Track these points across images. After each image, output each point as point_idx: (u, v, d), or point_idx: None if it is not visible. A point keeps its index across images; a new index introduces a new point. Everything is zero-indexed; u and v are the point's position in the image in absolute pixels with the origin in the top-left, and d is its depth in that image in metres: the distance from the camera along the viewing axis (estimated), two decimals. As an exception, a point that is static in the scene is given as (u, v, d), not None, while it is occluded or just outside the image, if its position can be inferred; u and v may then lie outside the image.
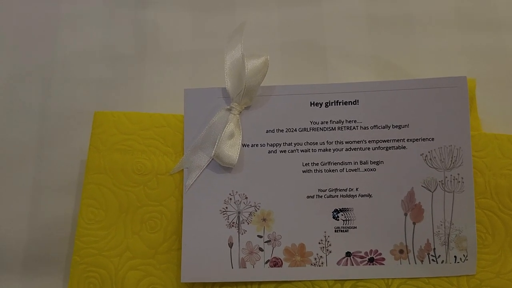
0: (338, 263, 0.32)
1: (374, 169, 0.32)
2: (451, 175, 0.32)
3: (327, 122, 0.33)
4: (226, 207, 0.32)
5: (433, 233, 0.32)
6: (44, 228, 0.36)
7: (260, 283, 0.32)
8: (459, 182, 0.32)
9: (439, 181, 0.32)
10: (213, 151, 0.32)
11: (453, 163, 0.32)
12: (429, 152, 0.32)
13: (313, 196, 0.32)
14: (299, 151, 0.33)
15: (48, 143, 0.38)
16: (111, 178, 0.33)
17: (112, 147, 0.33)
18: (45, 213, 0.36)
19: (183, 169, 0.33)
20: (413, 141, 0.32)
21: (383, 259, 0.32)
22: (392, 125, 0.32)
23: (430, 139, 0.32)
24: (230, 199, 0.32)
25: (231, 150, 0.32)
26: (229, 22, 0.41)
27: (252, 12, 0.41)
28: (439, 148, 0.32)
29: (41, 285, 0.35)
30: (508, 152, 0.32)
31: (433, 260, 0.31)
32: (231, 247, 0.32)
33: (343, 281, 0.31)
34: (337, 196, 0.32)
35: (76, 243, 0.33)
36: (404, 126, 0.32)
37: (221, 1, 0.41)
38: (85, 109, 0.38)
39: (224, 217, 0.32)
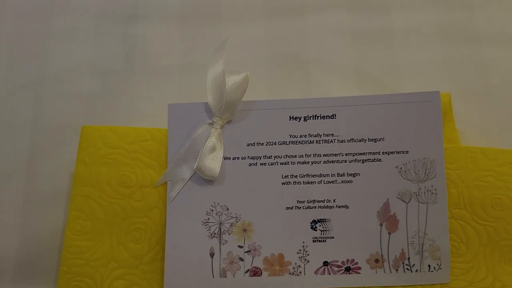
0: (316, 272, 0.33)
1: (351, 181, 0.33)
2: (425, 186, 0.33)
3: (305, 136, 0.34)
4: (208, 218, 0.33)
5: (408, 243, 0.33)
6: (34, 239, 0.37)
7: None
8: (432, 193, 0.33)
9: (414, 193, 0.33)
10: (195, 164, 0.33)
11: (427, 175, 0.33)
12: (403, 164, 0.33)
13: (292, 207, 0.33)
14: (278, 163, 0.34)
15: (39, 155, 0.39)
16: (97, 191, 0.34)
17: (99, 160, 0.35)
18: (35, 224, 0.37)
19: (166, 182, 0.34)
20: (388, 154, 0.33)
21: (359, 268, 0.33)
22: (368, 139, 0.33)
23: (405, 152, 0.33)
24: (212, 210, 0.33)
25: (213, 163, 0.33)
26: (216, 37, 0.42)
27: (238, 26, 0.42)
28: (413, 160, 0.33)
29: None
30: (481, 164, 0.33)
31: (407, 269, 0.33)
32: (212, 257, 0.33)
33: None
34: (315, 207, 0.33)
35: (63, 253, 0.34)
36: (380, 139, 0.33)
37: (208, 16, 0.43)
38: (75, 122, 0.39)
39: (206, 228, 0.33)
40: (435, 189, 0.33)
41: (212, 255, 0.33)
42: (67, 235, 0.34)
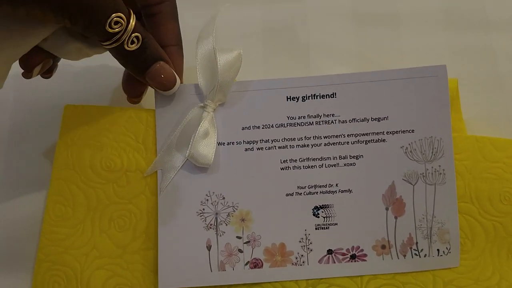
0: (320, 261, 0.31)
1: (353, 164, 0.31)
2: (432, 167, 0.31)
3: (304, 117, 0.32)
4: (203, 209, 0.31)
5: (415, 227, 0.31)
6: (13, 225, 0.34)
7: (230, 286, 0.31)
8: (440, 174, 0.31)
9: (420, 174, 0.31)
10: (188, 151, 0.31)
11: (434, 154, 0.31)
12: (409, 144, 0.31)
13: (292, 193, 0.31)
14: (276, 147, 0.32)
15: (19, 137, 0.36)
16: (79, 175, 0.32)
17: (81, 142, 0.32)
18: (14, 210, 0.35)
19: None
20: (392, 134, 0.31)
21: (365, 255, 0.31)
22: (371, 118, 0.31)
23: (410, 131, 0.31)
24: (207, 200, 0.31)
25: (206, 149, 0.31)
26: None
27: (235, 7, 0.39)
28: (419, 140, 0.31)
29: (8, 283, 0.34)
30: (489, 155, 0.31)
31: (415, 254, 0.31)
32: (209, 250, 0.31)
33: (315, 283, 0.31)
34: (317, 192, 0.31)
35: (41, 240, 0.32)
36: (383, 118, 0.31)
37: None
38: (58, 103, 0.36)
39: (201, 219, 0.31)
40: (443, 169, 0.31)
41: (209, 247, 0.31)
42: (46, 220, 0.32)
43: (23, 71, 0.30)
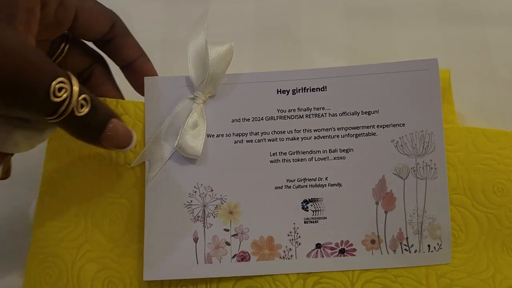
0: (308, 255, 0.30)
1: (343, 157, 0.31)
2: (423, 161, 0.31)
3: (294, 110, 0.31)
4: (191, 201, 0.31)
5: (406, 221, 0.30)
6: (7, 220, 0.34)
7: (219, 279, 0.30)
8: (431, 168, 0.31)
9: (411, 168, 0.31)
10: (176, 142, 0.30)
11: (425, 149, 0.31)
12: (400, 138, 0.31)
13: (281, 186, 0.31)
14: (266, 140, 0.31)
15: None
16: (70, 168, 0.32)
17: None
18: (4, 204, 0.35)
19: (144, 161, 0.31)
20: (383, 127, 0.31)
21: (355, 250, 0.30)
22: (362, 111, 0.31)
23: (401, 125, 0.31)
24: (195, 192, 0.31)
25: (195, 140, 0.31)
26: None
27: (226, 3, 0.40)
28: (410, 133, 0.31)
29: (1, 276, 0.34)
30: (482, 146, 0.31)
31: (406, 249, 0.30)
32: (196, 242, 0.31)
33: (306, 276, 0.30)
34: (306, 186, 0.31)
35: (34, 233, 0.32)
36: (374, 112, 0.31)
37: None
38: None
39: (188, 211, 0.31)
40: (434, 164, 0.30)
41: (196, 239, 0.31)
42: (38, 214, 0.32)
43: None
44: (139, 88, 0.32)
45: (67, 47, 0.30)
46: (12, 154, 0.28)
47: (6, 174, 0.28)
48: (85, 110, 0.25)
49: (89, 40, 0.30)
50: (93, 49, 0.32)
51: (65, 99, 0.23)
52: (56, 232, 0.32)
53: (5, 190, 0.35)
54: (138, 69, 0.31)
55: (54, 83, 0.23)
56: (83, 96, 0.24)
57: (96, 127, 0.26)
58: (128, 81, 0.32)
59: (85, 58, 0.31)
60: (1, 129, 0.25)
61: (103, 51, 0.31)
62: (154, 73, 0.32)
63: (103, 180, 0.32)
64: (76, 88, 0.24)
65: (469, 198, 0.31)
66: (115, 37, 0.30)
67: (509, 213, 0.30)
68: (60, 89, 0.23)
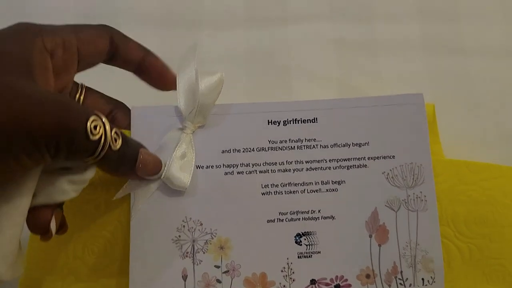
0: (303, 292, 0.29)
1: (336, 189, 0.31)
2: (414, 193, 0.31)
3: (286, 141, 0.31)
4: (179, 236, 0.29)
5: (400, 254, 0.30)
6: None
7: None
8: (422, 200, 0.31)
9: (402, 200, 0.31)
10: (163, 174, 0.29)
11: (415, 180, 0.31)
12: (390, 170, 0.31)
13: (274, 220, 0.30)
14: (257, 172, 0.30)
15: None
16: None
17: None
18: None
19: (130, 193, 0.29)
20: (374, 159, 0.31)
21: (350, 285, 0.29)
22: (352, 143, 0.31)
23: (391, 157, 0.31)
24: (184, 226, 0.29)
25: (183, 172, 0.29)
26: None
27: (219, 32, 0.40)
28: (400, 165, 0.31)
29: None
30: (465, 178, 0.32)
31: (400, 284, 0.30)
32: (185, 280, 0.29)
33: None
34: (299, 219, 0.30)
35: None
36: (365, 144, 0.31)
37: (187, 22, 0.40)
38: None
39: (177, 246, 0.29)
40: (424, 196, 0.31)
41: (184, 277, 0.29)
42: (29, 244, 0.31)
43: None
44: (158, 85, 0.31)
45: (82, 97, 0.30)
46: (61, 207, 0.26)
47: (63, 229, 0.27)
48: (119, 142, 0.25)
49: (97, 64, 0.29)
50: (109, 97, 0.31)
51: (101, 136, 0.23)
52: (40, 263, 0.30)
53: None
54: (149, 66, 0.30)
55: (89, 122, 0.23)
56: (114, 129, 0.24)
57: (130, 159, 0.26)
58: (146, 82, 0.31)
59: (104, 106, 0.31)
60: (47, 182, 0.25)
61: (113, 65, 0.30)
62: (164, 66, 0.30)
63: (85, 212, 0.30)
64: (107, 123, 0.24)
65: (452, 230, 0.31)
66: (117, 48, 0.29)
67: (490, 244, 0.31)
68: (95, 127, 0.23)
